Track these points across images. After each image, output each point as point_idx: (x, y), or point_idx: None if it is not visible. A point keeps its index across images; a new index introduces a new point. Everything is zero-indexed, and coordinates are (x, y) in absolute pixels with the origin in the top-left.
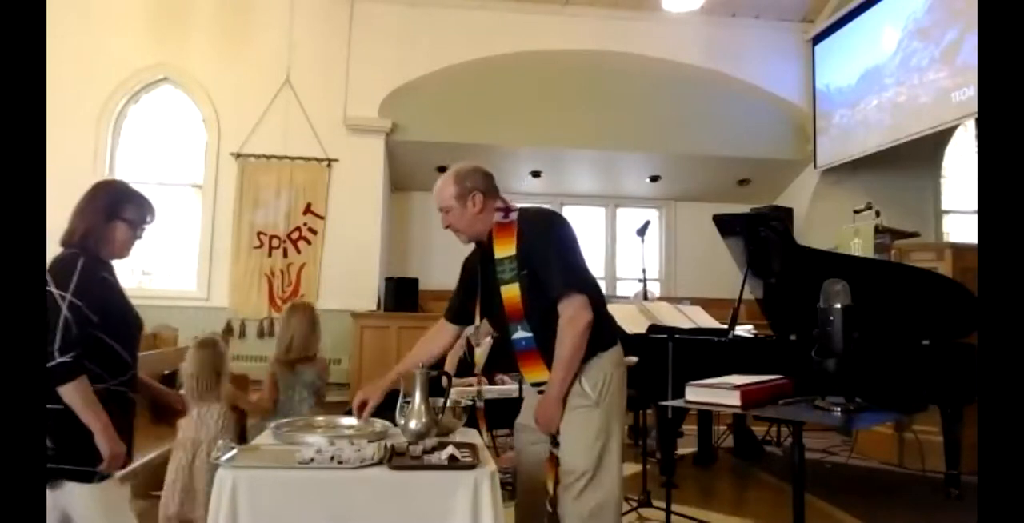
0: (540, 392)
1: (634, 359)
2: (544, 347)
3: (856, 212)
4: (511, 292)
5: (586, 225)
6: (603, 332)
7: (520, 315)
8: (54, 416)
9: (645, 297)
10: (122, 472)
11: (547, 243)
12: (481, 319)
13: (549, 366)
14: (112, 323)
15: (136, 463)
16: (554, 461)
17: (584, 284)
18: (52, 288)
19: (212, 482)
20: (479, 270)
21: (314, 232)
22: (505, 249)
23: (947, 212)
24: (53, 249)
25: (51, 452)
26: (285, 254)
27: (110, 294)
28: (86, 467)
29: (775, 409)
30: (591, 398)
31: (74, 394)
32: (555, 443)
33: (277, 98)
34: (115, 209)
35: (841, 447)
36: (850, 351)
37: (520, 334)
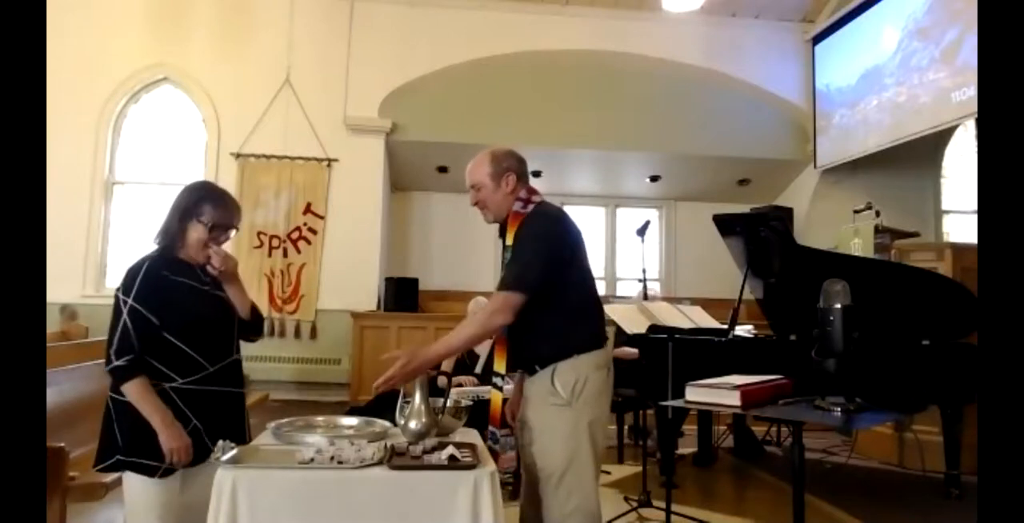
0: (493, 385)
1: (634, 350)
2: (511, 339)
3: (856, 212)
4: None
5: (586, 225)
6: (585, 334)
7: None
8: (122, 410)
9: (645, 297)
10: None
11: (527, 237)
12: None
13: (511, 359)
14: (177, 323)
15: None
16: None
17: (527, 285)
18: (119, 293)
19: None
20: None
21: (314, 232)
22: (510, 237)
23: (947, 212)
24: (53, 249)
25: (120, 443)
26: (285, 254)
27: (175, 295)
28: (149, 461)
29: (775, 409)
30: (563, 398)
31: (131, 393)
32: (495, 440)
33: (277, 98)
34: (192, 209)
35: (841, 447)
36: (850, 351)
37: None
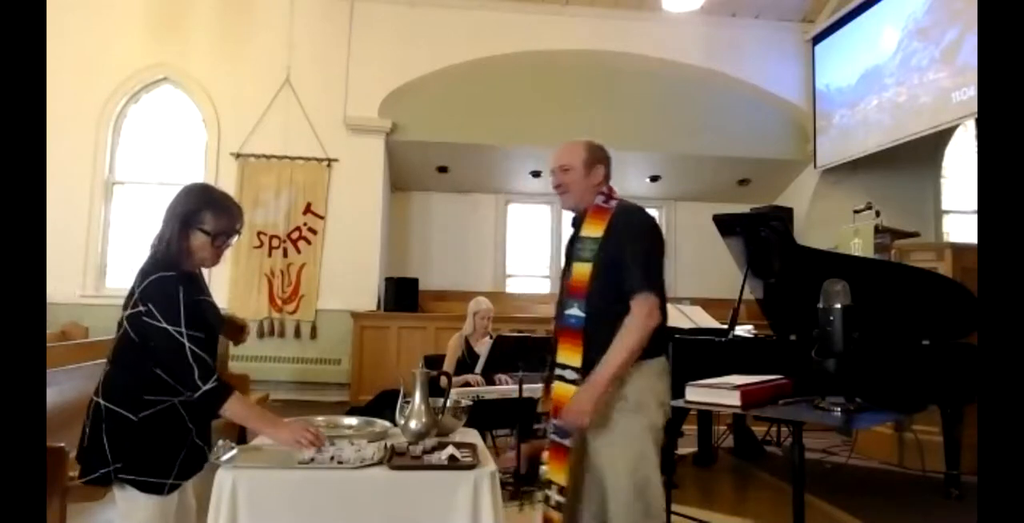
0: (558, 377)
1: None
2: (589, 332)
3: (856, 212)
4: (582, 269)
5: None
6: (653, 340)
7: (581, 294)
8: (123, 424)
9: None
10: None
11: (640, 241)
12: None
13: (586, 352)
14: (205, 340)
15: None
16: (562, 452)
17: (655, 284)
18: (163, 323)
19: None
20: (568, 244)
21: (314, 232)
22: (592, 230)
23: (947, 212)
24: (53, 249)
25: (123, 460)
26: (285, 254)
27: (207, 314)
28: (156, 479)
29: (775, 409)
30: (630, 403)
31: (232, 412)
32: (563, 434)
33: (277, 98)
34: (192, 218)
35: (841, 447)
36: (850, 351)
37: (574, 311)
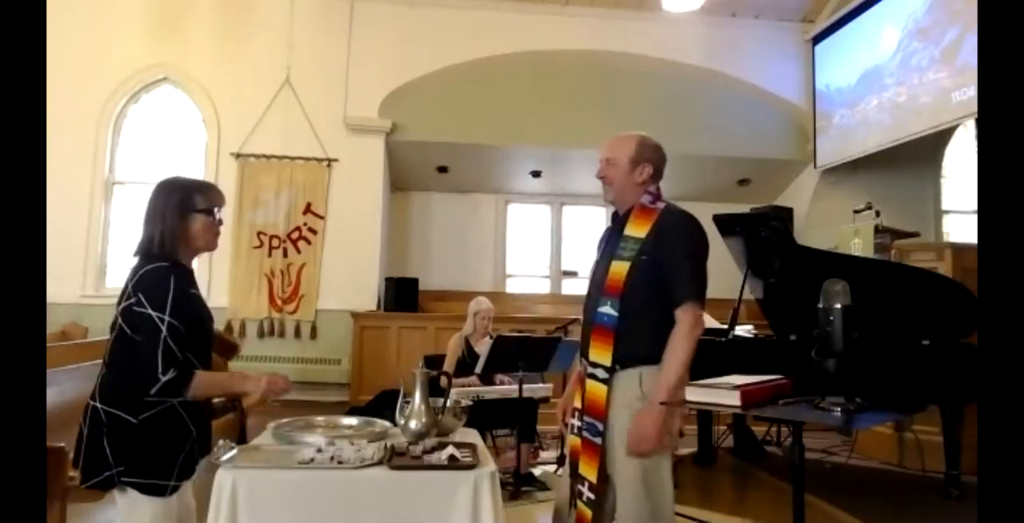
0: (590, 376)
1: None
2: (621, 331)
3: (856, 212)
4: (619, 268)
5: (586, 225)
6: None
7: (616, 293)
8: (123, 426)
9: None
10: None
11: (688, 247)
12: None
13: (616, 350)
14: (192, 337)
15: None
16: (594, 450)
17: (703, 295)
18: (148, 309)
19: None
20: (603, 238)
21: (314, 232)
22: (636, 230)
23: (947, 212)
24: (53, 249)
25: (125, 463)
26: (285, 254)
27: (196, 309)
28: (159, 480)
29: (775, 409)
30: (646, 401)
31: (198, 392)
32: (595, 432)
33: (277, 98)
34: (186, 204)
35: (841, 447)
36: (850, 351)
37: (606, 310)
